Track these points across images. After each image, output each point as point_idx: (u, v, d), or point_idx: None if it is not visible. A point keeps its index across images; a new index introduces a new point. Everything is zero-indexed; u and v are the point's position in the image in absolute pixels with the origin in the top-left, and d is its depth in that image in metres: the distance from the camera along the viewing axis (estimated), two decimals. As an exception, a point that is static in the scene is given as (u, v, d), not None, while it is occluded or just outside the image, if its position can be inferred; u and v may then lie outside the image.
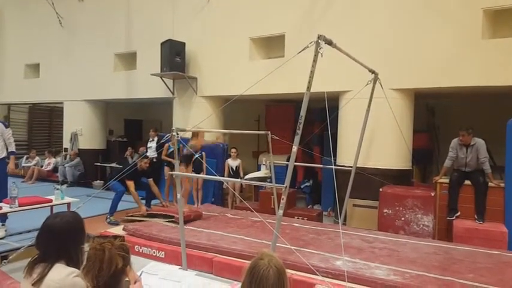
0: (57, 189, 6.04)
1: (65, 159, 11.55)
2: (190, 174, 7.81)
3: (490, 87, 6.12)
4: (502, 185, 5.72)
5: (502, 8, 6.03)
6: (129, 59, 10.69)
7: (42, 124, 15.03)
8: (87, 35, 11.28)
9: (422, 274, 3.82)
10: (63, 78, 11.77)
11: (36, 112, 14.74)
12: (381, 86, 6.12)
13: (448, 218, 6.01)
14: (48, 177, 11.74)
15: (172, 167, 7.34)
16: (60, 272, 1.95)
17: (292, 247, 4.02)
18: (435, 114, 9.15)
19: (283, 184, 3.74)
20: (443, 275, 3.80)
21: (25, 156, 12.46)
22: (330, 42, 3.96)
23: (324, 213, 8.08)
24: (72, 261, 2.02)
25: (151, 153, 9.04)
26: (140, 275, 3.09)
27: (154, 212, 6.50)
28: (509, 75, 5.85)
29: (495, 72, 5.93)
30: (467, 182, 6.01)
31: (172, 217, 5.92)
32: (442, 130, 8.87)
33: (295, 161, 3.94)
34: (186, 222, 5.96)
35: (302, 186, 9.35)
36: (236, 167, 8.32)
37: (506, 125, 5.58)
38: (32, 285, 1.92)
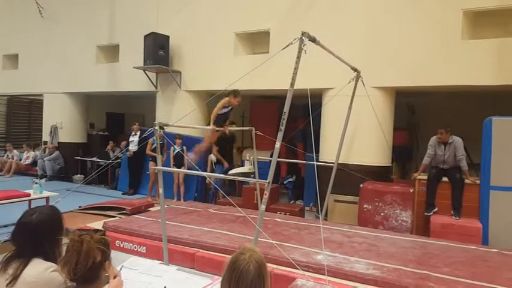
0: (36, 183, 5.94)
1: (44, 152, 11.34)
2: (173, 169, 7.82)
3: (469, 86, 6.27)
4: (478, 182, 5.88)
5: (481, 10, 6.17)
6: (111, 51, 10.54)
7: (21, 116, 14.70)
8: (68, 26, 11.07)
9: (400, 268, 3.91)
10: (43, 69, 11.53)
11: (15, 104, 14.41)
12: (363, 84, 6.20)
13: (426, 214, 6.14)
14: (26, 170, 11.51)
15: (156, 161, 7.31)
16: (37, 266, 1.94)
17: (274, 241, 4.06)
18: (415, 112, 9.31)
19: (266, 180, 3.76)
20: (419, 269, 3.89)
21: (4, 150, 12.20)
22: (313, 40, 3.99)
23: (306, 208, 8.15)
24: (49, 256, 2.01)
25: (133, 147, 8.97)
26: (120, 269, 3.07)
27: (107, 205, 6.71)
28: (487, 75, 6.01)
29: (474, 72, 6.08)
30: (444, 178, 6.15)
31: (124, 209, 6.30)
32: (422, 128, 9.04)
33: (279, 157, 3.97)
34: (136, 213, 6.20)
35: (285, 182, 9.41)
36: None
37: (483, 124, 5.74)
38: (8, 282, 1.89)
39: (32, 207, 2.36)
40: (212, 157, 8.32)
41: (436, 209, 6.08)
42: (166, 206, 5.15)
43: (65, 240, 2.03)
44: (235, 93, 5.13)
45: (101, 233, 1.94)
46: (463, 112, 7.90)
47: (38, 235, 2.00)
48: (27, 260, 1.95)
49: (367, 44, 6.84)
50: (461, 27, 6.20)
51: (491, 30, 6.28)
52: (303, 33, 3.81)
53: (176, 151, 8.19)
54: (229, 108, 5.33)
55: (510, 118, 5.62)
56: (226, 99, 5.16)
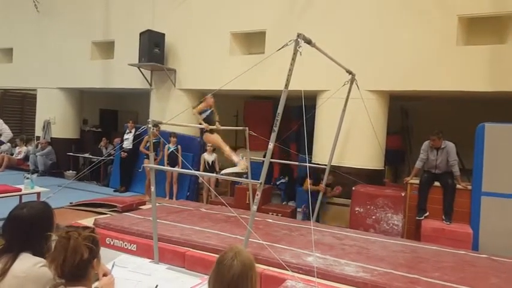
0: (27, 178, 5.89)
1: (37, 147, 11.26)
2: (167, 168, 7.78)
3: (462, 92, 6.31)
4: (469, 187, 5.92)
5: (476, 16, 6.22)
6: (106, 48, 10.48)
7: (14, 111, 14.55)
8: (64, 21, 10.98)
9: (390, 272, 3.92)
10: (37, 64, 11.44)
11: (8, 98, 14.25)
12: (357, 86, 6.22)
13: (417, 218, 6.17)
14: (18, 165, 11.41)
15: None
16: (27, 261, 1.93)
17: (265, 242, 4.05)
18: (408, 116, 9.35)
19: (259, 180, 3.76)
20: (409, 272, 3.91)
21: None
22: (309, 41, 4.00)
23: (298, 209, 8.15)
24: (38, 251, 2.00)
25: (128, 145, 8.92)
26: (112, 267, 3.05)
27: (98, 202, 6.70)
28: (480, 81, 6.06)
29: (467, 78, 6.13)
30: (436, 183, 6.19)
31: (115, 206, 6.29)
32: (415, 132, 9.08)
33: (272, 158, 3.97)
34: (127, 210, 6.19)
35: (278, 183, 9.40)
36: (212, 161, 8.29)
37: (476, 130, 5.78)
38: None
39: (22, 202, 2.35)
40: (206, 157, 8.29)
41: (427, 214, 6.11)
42: (158, 205, 5.13)
43: (55, 237, 2.02)
44: None
45: (89, 230, 1.91)
46: (456, 117, 7.95)
47: (27, 229, 1.99)
48: (15, 254, 1.93)
49: (362, 47, 6.86)
50: (456, 33, 6.24)
51: (485, 36, 6.34)
52: (299, 35, 3.81)
53: (170, 150, 8.17)
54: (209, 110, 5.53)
55: (503, 124, 5.68)
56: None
